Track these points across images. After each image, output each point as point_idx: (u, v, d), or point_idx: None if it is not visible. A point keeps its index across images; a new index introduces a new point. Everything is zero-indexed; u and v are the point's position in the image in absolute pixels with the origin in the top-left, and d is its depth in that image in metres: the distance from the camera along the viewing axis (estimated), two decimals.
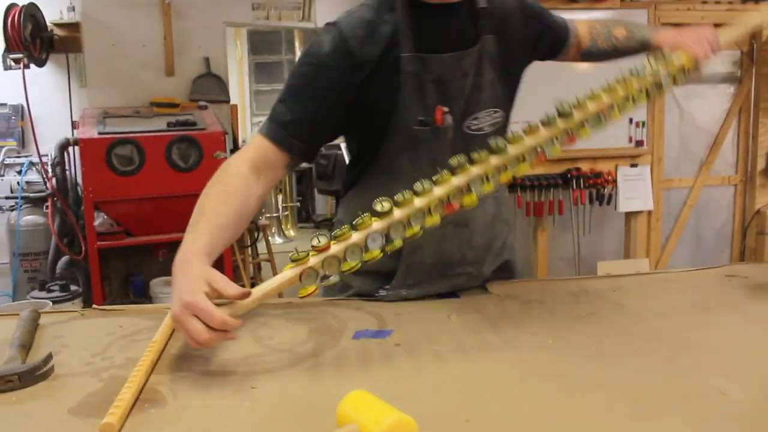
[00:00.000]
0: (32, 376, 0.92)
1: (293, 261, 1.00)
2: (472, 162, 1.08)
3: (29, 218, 3.91)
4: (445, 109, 1.25)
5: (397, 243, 1.04)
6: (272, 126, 1.22)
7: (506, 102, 1.34)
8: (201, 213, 1.08)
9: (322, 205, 7.29)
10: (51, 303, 3.18)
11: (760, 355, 1.01)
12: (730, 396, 0.85)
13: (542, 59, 1.44)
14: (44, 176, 3.83)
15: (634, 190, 4.28)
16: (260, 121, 4.20)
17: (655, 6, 4.20)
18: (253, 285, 1.05)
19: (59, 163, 3.72)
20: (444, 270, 1.34)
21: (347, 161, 1.41)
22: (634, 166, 4.28)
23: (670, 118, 4.42)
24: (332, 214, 6.86)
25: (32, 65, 3.84)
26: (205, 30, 4.30)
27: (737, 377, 0.91)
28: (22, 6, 3.69)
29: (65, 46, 4.00)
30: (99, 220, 3.68)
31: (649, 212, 4.39)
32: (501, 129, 1.33)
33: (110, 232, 3.67)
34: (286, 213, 6.46)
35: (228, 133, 4.03)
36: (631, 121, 4.23)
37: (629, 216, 4.38)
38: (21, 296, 3.81)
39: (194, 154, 3.71)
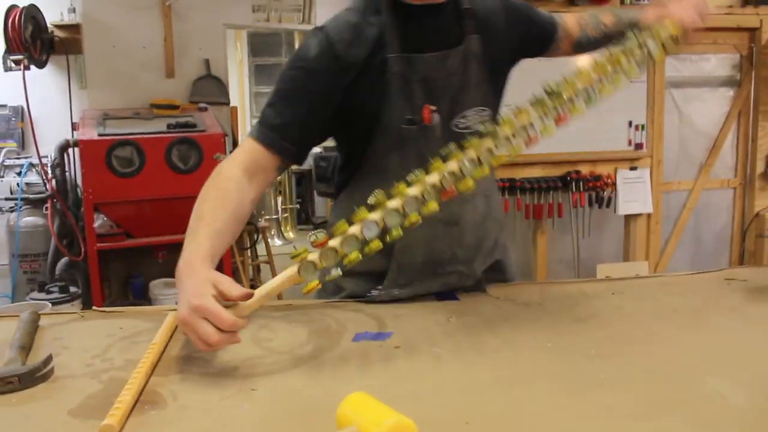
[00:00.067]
0: (32, 377, 0.92)
1: (293, 258, 1.01)
2: (462, 148, 1.08)
3: (29, 219, 3.91)
4: (433, 107, 1.26)
5: (396, 233, 1.03)
6: (262, 129, 1.23)
7: (494, 101, 1.36)
8: (200, 218, 1.09)
9: (322, 207, 7.29)
10: (50, 304, 3.18)
11: (759, 358, 1.01)
12: (729, 398, 0.86)
13: (533, 56, 1.44)
14: (44, 177, 3.84)
15: (634, 193, 4.28)
16: None
17: None
18: (252, 287, 1.05)
19: (59, 164, 3.72)
20: (435, 269, 1.35)
21: (338, 164, 1.42)
22: (633, 169, 4.29)
23: (670, 121, 4.42)
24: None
25: (32, 66, 3.84)
26: (205, 32, 4.30)
27: (736, 379, 0.91)
28: (23, 7, 3.70)
29: (65, 48, 4.01)
30: (99, 221, 3.69)
31: (649, 215, 4.39)
32: None
33: (110, 233, 3.67)
34: (285, 215, 6.46)
35: (228, 135, 4.04)
36: (630, 124, 4.24)
37: (628, 219, 4.39)
38: (20, 297, 3.81)
39: (194, 155, 3.71)
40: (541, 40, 1.42)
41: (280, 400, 0.89)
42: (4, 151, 4.16)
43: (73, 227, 3.76)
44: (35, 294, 3.51)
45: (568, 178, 4.17)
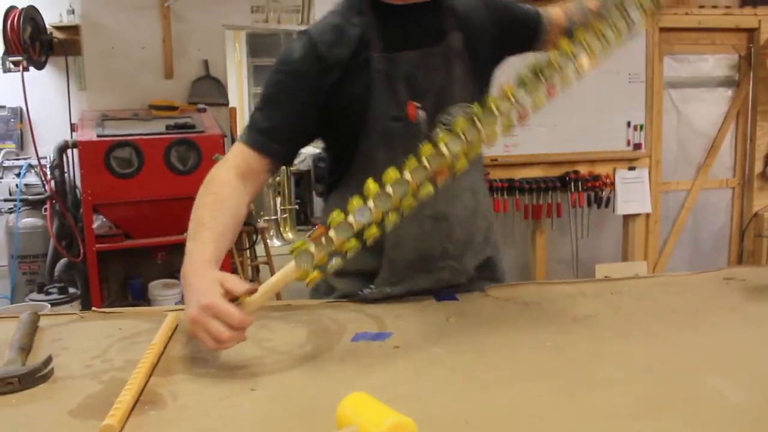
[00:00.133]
0: (32, 378, 0.92)
1: (291, 252, 1.02)
2: (450, 131, 1.07)
3: (28, 221, 3.91)
4: (417, 104, 1.27)
5: (392, 217, 1.03)
6: (251, 134, 1.26)
7: (478, 97, 1.35)
8: (200, 224, 1.12)
9: (321, 207, 7.29)
10: (49, 305, 3.19)
11: (758, 357, 1.01)
12: (728, 397, 0.86)
13: (522, 51, 1.44)
14: (43, 179, 3.83)
15: (632, 193, 4.29)
16: None
17: None
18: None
19: (58, 165, 3.72)
20: (426, 265, 1.35)
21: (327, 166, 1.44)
22: (632, 169, 4.29)
23: (668, 122, 4.43)
24: None
25: (31, 68, 3.84)
26: (204, 33, 4.30)
27: (736, 379, 0.91)
28: (22, 9, 3.69)
29: (64, 49, 4.00)
30: (97, 222, 3.69)
31: (647, 215, 4.40)
32: None
33: (109, 234, 3.67)
34: (284, 215, 6.46)
35: (227, 136, 4.04)
36: (629, 124, 4.25)
37: (627, 219, 4.39)
38: (19, 299, 3.81)
39: (193, 156, 3.71)
40: (526, 34, 1.42)
41: (279, 400, 0.89)
42: (3, 152, 4.15)
43: (72, 228, 3.76)
44: (34, 295, 3.51)
45: (567, 179, 4.17)
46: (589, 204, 4.25)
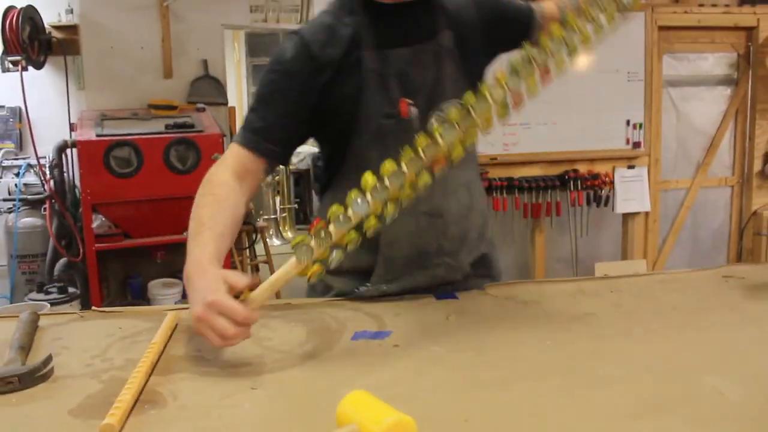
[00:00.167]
0: (32, 377, 0.92)
1: (292, 247, 1.03)
2: (445, 120, 1.07)
3: (27, 220, 3.91)
4: (410, 101, 1.28)
5: (391, 208, 1.04)
6: (246, 134, 1.28)
7: None
8: (200, 224, 1.13)
9: (317, 207, 7.28)
10: (49, 305, 3.19)
11: (757, 355, 1.01)
12: (728, 395, 0.86)
13: (516, 48, 1.42)
14: (42, 178, 3.83)
15: (632, 192, 4.29)
16: None
17: (652, 9, 4.22)
18: (251, 287, 1.06)
19: (57, 165, 3.72)
20: (422, 262, 1.36)
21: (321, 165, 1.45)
22: (631, 167, 4.29)
23: (668, 120, 4.43)
24: None
25: (30, 67, 3.84)
26: (203, 32, 4.29)
27: (735, 377, 0.91)
28: (20, 8, 3.69)
29: (63, 49, 4.00)
30: (97, 222, 3.69)
31: (647, 213, 4.40)
32: None
33: (108, 234, 3.67)
34: (283, 215, 6.45)
35: (226, 135, 4.04)
36: (628, 122, 4.25)
37: (626, 217, 4.40)
38: (19, 298, 3.81)
39: (192, 156, 3.71)
40: (518, 30, 1.41)
41: (280, 399, 0.89)
42: (2, 151, 4.15)
43: (72, 228, 3.76)
44: (34, 294, 3.51)
45: (566, 177, 4.17)
46: (588, 203, 4.25)
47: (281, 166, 5.93)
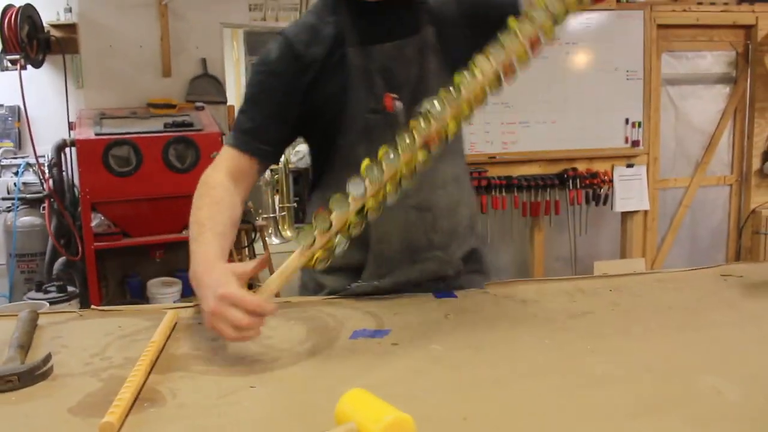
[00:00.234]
0: (32, 376, 0.93)
1: (297, 235, 1.06)
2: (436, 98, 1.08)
3: (26, 219, 3.90)
4: (394, 95, 1.30)
5: (390, 189, 1.06)
6: (237, 135, 1.31)
7: None
8: (200, 225, 1.16)
9: None
10: (48, 304, 3.18)
11: (755, 354, 1.02)
12: (726, 394, 0.86)
13: None
14: (41, 177, 3.83)
15: (630, 190, 4.29)
16: None
17: (650, 7, 4.22)
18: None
19: (56, 164, 3.72)
20: (413, 256, 1.37)
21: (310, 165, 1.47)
22: (630, 166, 4.29)
23: (666, 119, 4.44)
24: None
25: (29, 66, 3.83)
26: (202, 31, 4.29)
27: (733, 376, 0.91)
28: (19, 7, 3.68)
29: (62, 47, 3.99)
30: (96, 221, 3.68)
31: (645, 212, 4.40)
32: None
33: (107, 233, 3.67)
34: (283, 213, 6.45)
35: (225, 134, 4.03)
36: (627, 121, 4.25)
37: (625, 216, 4.40)
38: (18, 297, 3.81)
39: (191, 155, 3.71)
40: (504, 20, 1.41)
41: (279, 397, 0.89)
42: (0, 150, 4.15)
43: (71, 227, 3.75)
44: (33, 293, 3.51)
45: (565, 176, 4.17)
46: (587, 201, 4.26)
47: (279, 165, 5.93)
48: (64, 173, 3.79)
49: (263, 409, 0.85)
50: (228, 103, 4.58)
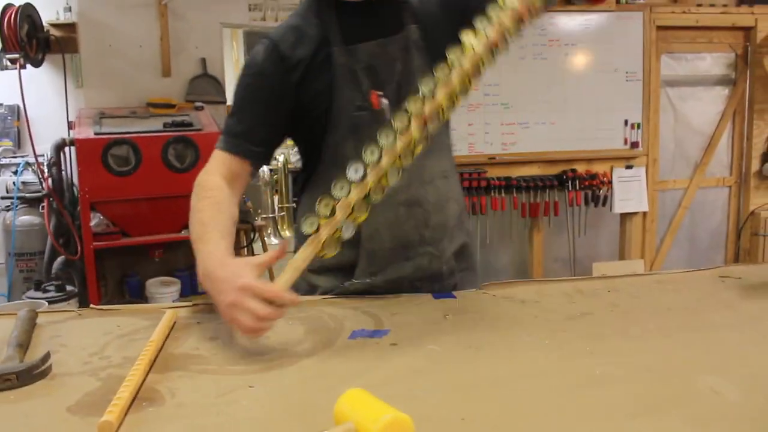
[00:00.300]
0: (30, 375, 0.92)
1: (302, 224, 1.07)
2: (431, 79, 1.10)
3: (25, 218, 3.90)
4: (380, 93, 1.31)
5: (390, 167, 1.07)
6: (227, 139, 1.33)
7: None
8: (203, 225, 1.17)
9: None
10: (47, 303, 3.18)
11: (754, 355, 1.02)
12: (725, 395, 0.86)
13: None
14: (40, 176, 3.83)
15: (629, 192, 4.30)
16: None
17: (650, 8, 4.23)
18: None
19: (55, 163, 3.72)
20: (405, 252, 1.38)
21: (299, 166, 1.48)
22: (629, 167, 4.30)
23: (665, 120, 4.44)
24: None
25: (28, 65, 3.83)
26: (201, 31, 4.30)
27: (732, 377, 0.91)
28: (19, 6, 3.68)
29: (61, 47, 4.00)
30: (95, 220, 3.68)
31: (644, 213, 4.41)
32: None
33: (106, 232, 3.67)
34: (282, 213, 6.45)
35: None
36: (626, 122, 4.26)
37: (624, 217, 4.40)
38: (16, 296, 3.81)
39: (190, 154, 3.71)
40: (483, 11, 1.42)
41: (277, 397, 0.89)
42: (0, 149, 4.15)
43: (70, 226, 3.75)
44: (32, 293, 3.51)
45: (564, 177, 4.18)
46: (586, 202, 4.26)
47: (279, 165, 5.93)
48: (63, 172, 3.79)
49: (262, 409, 0.85)
50: (227, 103, 4.58)
